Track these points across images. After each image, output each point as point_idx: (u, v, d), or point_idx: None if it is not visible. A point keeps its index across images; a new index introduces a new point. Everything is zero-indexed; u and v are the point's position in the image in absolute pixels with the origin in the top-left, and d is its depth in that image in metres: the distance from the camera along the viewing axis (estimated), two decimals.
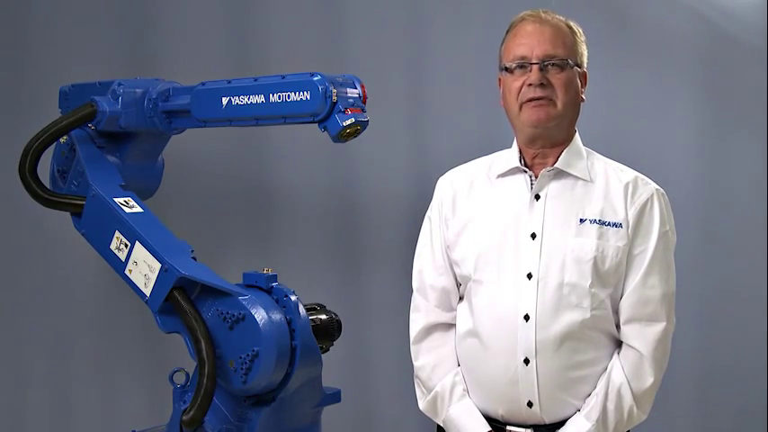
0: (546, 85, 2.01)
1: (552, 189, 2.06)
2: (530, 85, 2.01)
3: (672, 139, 2.96)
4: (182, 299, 2.03)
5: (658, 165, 2.72)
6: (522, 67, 2.03)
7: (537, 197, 2.06)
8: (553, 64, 2.02)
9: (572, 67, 2.04)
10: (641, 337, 2.01)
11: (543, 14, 2.07)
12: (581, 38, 2.09)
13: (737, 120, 2.96)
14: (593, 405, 2.00)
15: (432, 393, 2.13)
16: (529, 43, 2.03)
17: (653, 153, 2.89)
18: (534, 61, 2.02)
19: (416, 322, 2.18)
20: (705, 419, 3.05)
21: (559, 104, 2.03)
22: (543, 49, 2.02)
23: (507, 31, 2.10)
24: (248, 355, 2.00)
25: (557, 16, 2.08)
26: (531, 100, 2.02)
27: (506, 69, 2.06)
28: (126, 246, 2.14)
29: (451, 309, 2.16)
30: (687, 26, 2.93)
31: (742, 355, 3.01)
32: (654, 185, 2.08)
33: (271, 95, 2.08)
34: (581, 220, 2.03)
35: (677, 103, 2.95)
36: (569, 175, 2.07)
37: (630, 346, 2.02)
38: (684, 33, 2.93)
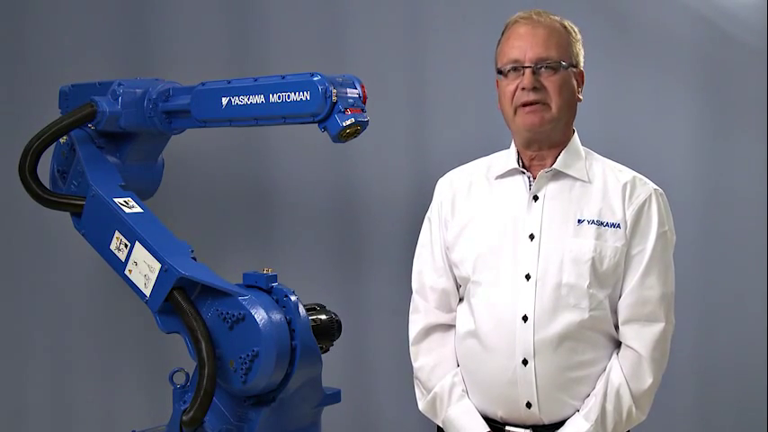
0: (539, 89, 2.00)
1: (550, 190, 2.06)
2: (523, 88, 2.00)
3: (672, 139, 2.96)
4: (182, 299, 2.03)
5: (658, 165, 2.72)
6: (515, 69, 2.02)
7: (535, 198, 2.06)
8: (546, 66, 2.00)
9: (566, 68, 2.02)
10: (640, 337, 2.01)
11: (536, 16, 2.04)
12: (576, 37, 2.08)
13: (737, 120, 2.96)
14: (591, 405, 2.00)
15: (431, 394, 2.13)
16: (521, 46, 2.02)
17: (653, 153, 2.89)
18: (527, 64, 2.00)
19: (416, 323, 2.18)
20: (705, 419, 3.05)
21: (554, 108, 2.01)
22: (535, 52, 2.00)
23: (502, 33, 2.09)
24: (248, 355, 2.00)
25: (551, 16, 2.06)
26: (525, 105, 2.01)
27: (501, 72, 2.06)
28: (126, 246, 2.14)
29: (451, 310, 2.16)
30: (687, 26, 2.93)
31: (742, 355, 3.01)
32: (652, 185, 2.07)
33: (271, 95, 2.08)
34: (579, 220, 2.02)
35: (677, 103, 2.95)
36: (567, 175, 2.06)
37: (629, 347, 2.02)
38: (684, 34, 2.93)
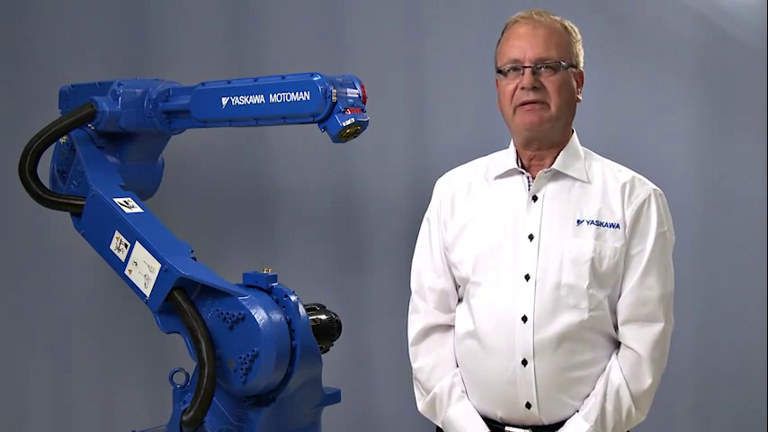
0: (539, 89, 1.99)
1: (550, 190, 2.06)
2: (522, 88, 2.00)
3: (672, 139, 2.96)
4: (182, 299, 2.04)
5: (658, 165, 2.72)
6: (515, 69, 2.02)
7: (534, 198, 2.06)
8: (546, 66, 2.00)
9: (566, 69, 2.02)
10: (639, 337, 2.01)
11: (536, 16, 2.04)
12: (577, 37, 2.08)
13: (737, 120, 2.96)
14: (591, 406, 2.00)
15: (430, 395, 2.13)
16: (521, 46, 2.01)
17: (652, 153, 2.89)
18: (527, 64, 2.00)
19: (415, 324, 2.18)
20: (705, 419, 3.05)
21: (553, 107, 2.01)
22: (535, 52, 2.00)
23: (502, 33, 2.09)
24: (248, 355, 2.00)
25: (551, 16, 2.06)
26: (524, 104, 2.01)
27: (500, 72, 2.06)
28: (126, 246, 2.14)
29: (450, 310, 2.16)
30: (687, 26, 2.92)
31: (742, 355, 3.01)
32: (651, 185, 2.07)
33: (271, 96, 2.08)
34: (578, 221, 2.02)
35: (677, 103, 2.95)
36: (567, 176, 2.06)
37: (629, 347, 2.02)
38: (684, 33, 2.93)
